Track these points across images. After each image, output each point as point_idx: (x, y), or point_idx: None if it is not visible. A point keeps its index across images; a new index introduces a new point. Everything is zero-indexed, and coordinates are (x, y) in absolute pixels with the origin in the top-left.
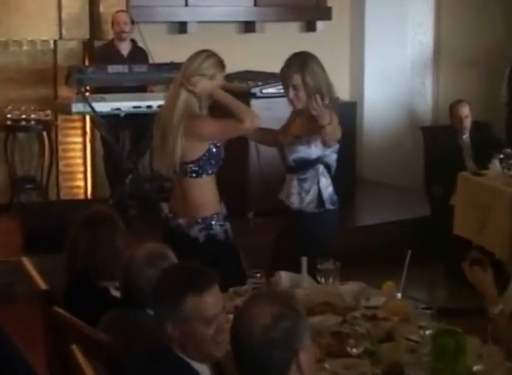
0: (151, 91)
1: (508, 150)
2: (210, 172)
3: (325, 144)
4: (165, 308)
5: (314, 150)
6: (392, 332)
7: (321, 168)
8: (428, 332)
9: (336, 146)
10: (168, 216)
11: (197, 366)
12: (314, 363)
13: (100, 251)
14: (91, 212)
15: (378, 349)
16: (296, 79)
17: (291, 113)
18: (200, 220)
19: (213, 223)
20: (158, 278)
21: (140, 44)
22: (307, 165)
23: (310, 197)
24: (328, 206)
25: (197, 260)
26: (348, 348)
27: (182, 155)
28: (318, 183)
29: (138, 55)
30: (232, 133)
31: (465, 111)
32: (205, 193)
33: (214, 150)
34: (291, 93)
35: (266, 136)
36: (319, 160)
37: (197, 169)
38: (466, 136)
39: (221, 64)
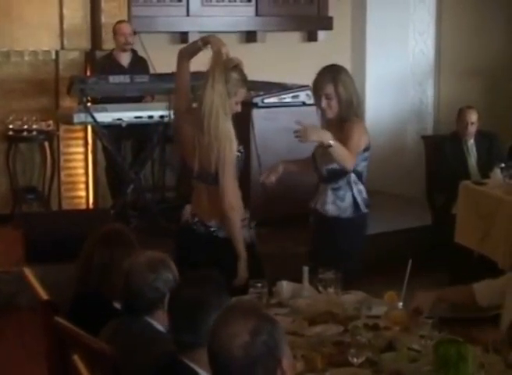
0: (147, 101)
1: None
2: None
3: (345, 167)
4: None
5: None
6: (394, 341)
7: (352, 176)
8: (429, 341)
9: (366, 154)
10: (192, 221)
11: (202, 372)
12: (294, 366)
13: (115, 274)
14: (110, 230)
15: (379, 359)
16: (330, 88)
17: (322, 124)
18: None
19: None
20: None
21: (142, 54)
22: (339, 175)
23: (346, 203)
24: (364, 210)
25: (227, 261)
26: (349, 358)
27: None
28: (352, 190)
29: (139, 64)
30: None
31: (473, 117)
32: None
33: (238, 155)
34: (324, 102)
35: (300, 166)
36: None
37: None
38: (471, 143)
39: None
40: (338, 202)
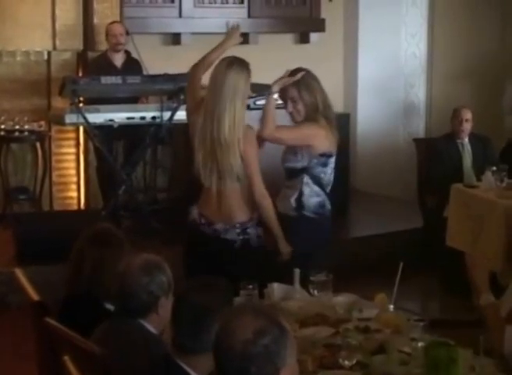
0: (142, 102)
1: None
2: None
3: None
4: None
5: (299, 160)
6: (385, 344)
7: (305, 178)
8: (420, 344)
9: (323, 160)
10: (200, 222)
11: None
12: None
13: (105, 274)
14: (99, 230)
15: (370, 361)
16: (293, 92)
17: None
18: (237, 225)
19: (248, 227)
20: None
21: (134, 55)
22: (293, 174)
23: (290, 202)
24: (307, 213)
25: (234, 263)
26: (340, 360)
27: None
28: (301, 191)
29: (132, 66)
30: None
31: (467, 115)
32: (244, 197)
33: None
34: (290, 106)
35: None
36: (304, 170)
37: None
38: (466, 142)
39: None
40: (285, 200)
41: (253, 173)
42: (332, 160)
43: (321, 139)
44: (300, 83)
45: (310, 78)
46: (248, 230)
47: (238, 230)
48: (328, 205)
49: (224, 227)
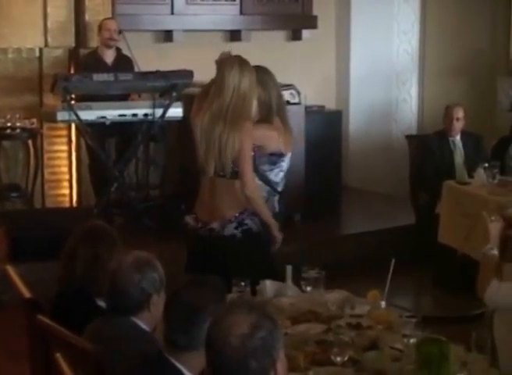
0: (132, 99)
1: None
2: None
3: None
4: None
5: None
6: (377, 340)
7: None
8: (412, 340)
9: (273, 158)
10: (197, 226)
11: (187, 373)
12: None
13: (98, 271)
14: (92, 227)
15: (362, 358)
16: None
17: None
18: (232, 219)
19: (245, 218)
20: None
21: (126, 52)
22: None
23: None
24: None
25: (236, 258)
26: (332, 357)
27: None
28: None
29: (123, 62)
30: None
31: (459, 113)
32: (238, 190)
33: None
34: None
35: None
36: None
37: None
38: (458, 140)
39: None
40: None
41: (244, 161)
42: (284, 160)
43: (273, 140)
44: (256, 80)
45: (266, 76)
46: (246, 222)
47: (235, 224)
48: (276, 205)
49: (220, 225)
